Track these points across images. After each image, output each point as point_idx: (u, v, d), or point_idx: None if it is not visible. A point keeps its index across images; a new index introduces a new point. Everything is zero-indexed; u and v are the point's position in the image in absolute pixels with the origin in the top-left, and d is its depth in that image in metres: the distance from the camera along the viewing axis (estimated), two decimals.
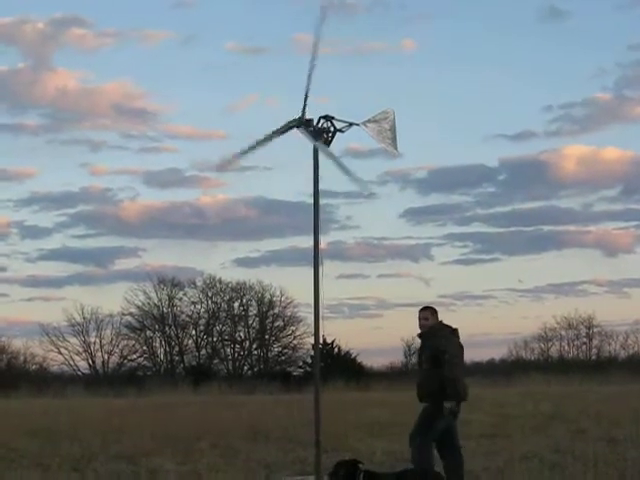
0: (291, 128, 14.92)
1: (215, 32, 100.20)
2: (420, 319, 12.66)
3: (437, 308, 12.82)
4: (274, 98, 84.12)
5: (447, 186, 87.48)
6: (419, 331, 12.72)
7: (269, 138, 14.93)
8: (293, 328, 73.71)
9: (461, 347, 12.64)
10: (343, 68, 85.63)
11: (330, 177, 17.11)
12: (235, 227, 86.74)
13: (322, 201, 14.82)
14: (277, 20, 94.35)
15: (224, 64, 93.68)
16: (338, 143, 17.18)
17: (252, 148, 14.78)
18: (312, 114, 15.58)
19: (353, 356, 70.50)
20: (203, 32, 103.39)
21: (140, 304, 73.20)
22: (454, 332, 12.69)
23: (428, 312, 12.69)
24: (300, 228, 75.46)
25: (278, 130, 15.03)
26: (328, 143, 16.20)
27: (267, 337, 74.46)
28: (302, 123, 15.53)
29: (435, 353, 12.26)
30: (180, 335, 74.12)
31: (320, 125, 15.41)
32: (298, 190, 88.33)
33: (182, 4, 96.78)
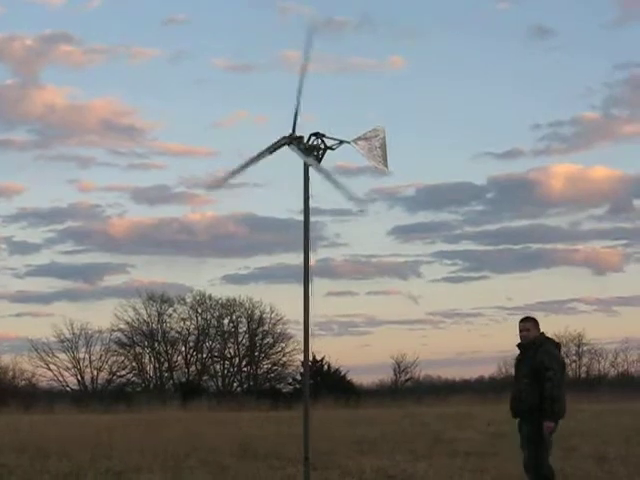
0: (282, 146, 14.98)
1: (204, 49, 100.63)
2: (521, 330, 12.21)
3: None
4: (263, 115, 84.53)
5: (435, 204, 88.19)
6: (519, 341, 12.28)
7: (260, 156, 14.99)
8: (283, 345, 73.72)
9: (563, 363, 12.23)
10: (332, 85, 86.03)
11: (318, 194, 17.19)
12: (224, 244, 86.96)
13: (311, 218, 14.86)
14: (266, 37, 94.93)
15: (212, 81, 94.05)
16: (326, 161, 17.30)
17: (243, 167, 14.83)
18: (301, 131, 15.64)
19: (343, 373, 70.50)
20: (192, 49, 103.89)
21: (129, 320, 73.20)
22: (557, 346, 12.31)
23: (530, 323, 12.26)
24: (289, 245, 75.70)
25: (269, 148, 15.08)
26: (318, 160, 16.27)
27: (257, 354, 74.39)
28: (292, 140, 15.60)
29: (537, 367, 11.82)
30: (169, 351, 74.02)
31: (311, 142, 15.47)
32: (287, 207, 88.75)
33: (171, 21, 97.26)
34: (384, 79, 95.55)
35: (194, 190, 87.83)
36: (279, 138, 15.29)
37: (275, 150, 15.41)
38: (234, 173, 14.98)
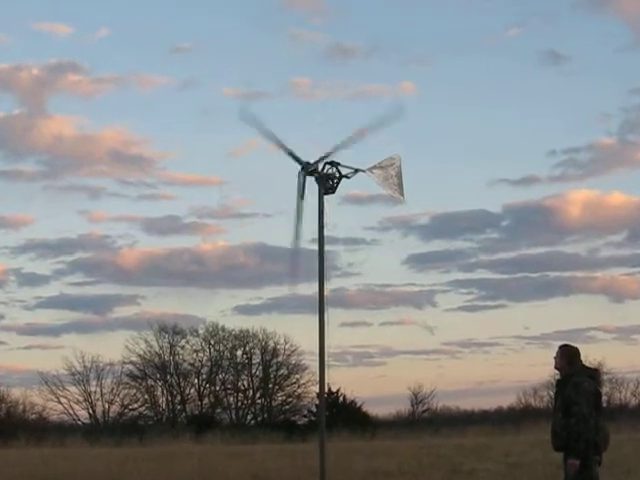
0: (297, 161, 15.10)
1: (213, 77, 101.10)
2: (555, 359, 12.23)
3: (575, 347, 12.25)
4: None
5: (450, 232, 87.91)
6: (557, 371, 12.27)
7: (300, 207, 15.09)
8: (297, 376, 73.54)
9: (598, 393, 12.03)
10: (342, 112, 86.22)
11: (331, 223, 17.27)
12: (235, 274, 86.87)
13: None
14: (276, 64, 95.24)
15: (222, 109, 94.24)
16: (340, 189, 17.33)
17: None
18: (314, 159, 15.71)
19: (358, 405, 70.21)
20: (201, 77, 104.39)
21: (141, 352, 73.16)
22: (593, 375, 12.13)
23: (558, 351, 12.22)
24: (301, 275, 75.42)
25: (286, 148, 15.20)
26: (333, 189, 16.47)
27: (271, 386, 74.25)
28: (307, 168, 15.75)
29: (567, 402, 11.74)
30: (182, 384, 73.97)
31: (325, 171, 15.61)
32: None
33: (180, 49, 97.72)
34: (396, 105, 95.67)
35: (205, 220, 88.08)
36: (297, 177, 15.40)
37: (290, 155, 15.50)
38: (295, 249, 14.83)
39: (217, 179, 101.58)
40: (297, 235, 14.99)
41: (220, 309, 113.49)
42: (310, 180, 15.71)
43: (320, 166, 15.34)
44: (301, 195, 15.16)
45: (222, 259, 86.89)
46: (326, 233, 16.02)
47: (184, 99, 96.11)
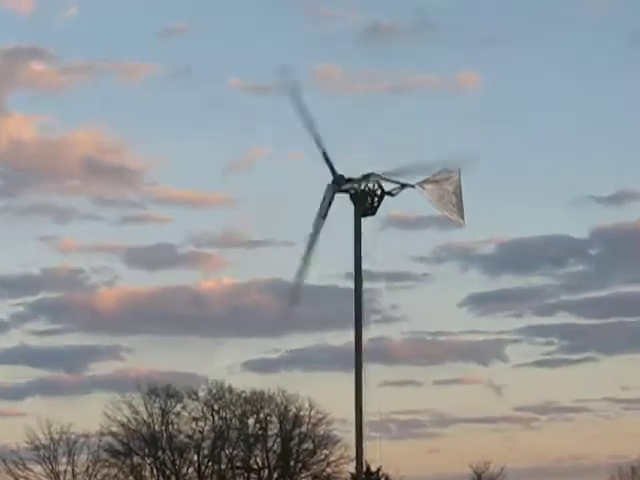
0: (331, 200, 15.12)
1: (214, 65, 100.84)
2: None
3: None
4: (293, 151, 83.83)
5: (522, 264, 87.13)
6: None
7: (318, 226, 15.11)
8: (326, 452, 73.35)
9: None
10: (381, 109, 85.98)
11: (370, 254, 17.08)
12: (246, 319, 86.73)
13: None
14: (296, 48, 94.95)
15: (227, 105, 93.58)
16: (381, 209, 17.17)
17: (306, 258, 14.93)
18: (348, 171, 15.66)
19: None
20: (199, 64, 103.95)
21: (125, 421, 73.12)
22: None
23: None
24: (330, 320, 75.14)
25: (320, 212, 15.24)
26: (374, 210, 16.35)
27: (292, 463, 74.10)
28: (339, 182, 15.66)
29: None
30: (177, 461, 73.85)
31: (364, 187, 15.56)
32: (326, 271, 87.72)
33: (172, 31, 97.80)
34: (450, 101, 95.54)
35: (206, 249, 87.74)
36: (324, 192, 15.44)
37: (327, 211, 15.58)
38: (301, 275, 15.01)
39: (220, 196, 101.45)
40: (306, 262, 15.03)
41: (226, 364, 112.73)
42: (341, 198, 15.69)
43: (359, 184, 15.39)
44: (323, 214, 15.20)
45: (228, 299, 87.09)
46: (364, 266, 15.88)
47: (177, 92, 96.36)
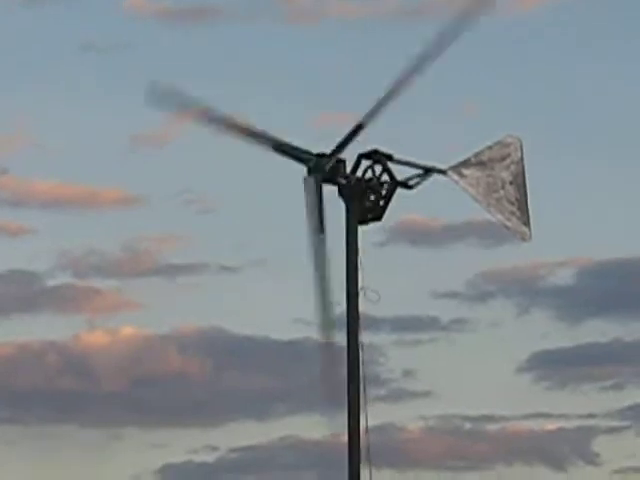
0: (321, 196, 10.41)
1: None
2: None
3: None
4: None
5: (621, 301, 61.89)
6: None
7: (319, 247, 10.62)
8: None
9: None
10: (380, 41, 79.40)
11: (368, 285, 12.48)
12: (160, 398, 64.65)
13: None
14: None
15: (122, 45, 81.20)
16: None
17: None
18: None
19: None
20: None
21: None
22: None
23: None
24: (302, 398, 53.91)
25: (312, 218, 10.54)
26: (379, 212, 11.22)
27: None
28: (319, 167, 10.91)
29: None
30: None
31: (362, 174, 10.65)
32: (294, 314, 55.81)
33: None
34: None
35: (92, 280, 60.20)
36: (303, 188, 10.67)
37: (322, 218, 10.96)
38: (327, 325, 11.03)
39: (117, 192, 75.55)
40: (327, 312, 11.06)
41: (132, 473, 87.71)
42: (327, 193, 10.51)
43: (350, 163, 10.15)
44: (319, 227, 10.59)
45: (131, 365, 60.79)
46: (361, 308, 11.27)
47: (39, 31, 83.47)
